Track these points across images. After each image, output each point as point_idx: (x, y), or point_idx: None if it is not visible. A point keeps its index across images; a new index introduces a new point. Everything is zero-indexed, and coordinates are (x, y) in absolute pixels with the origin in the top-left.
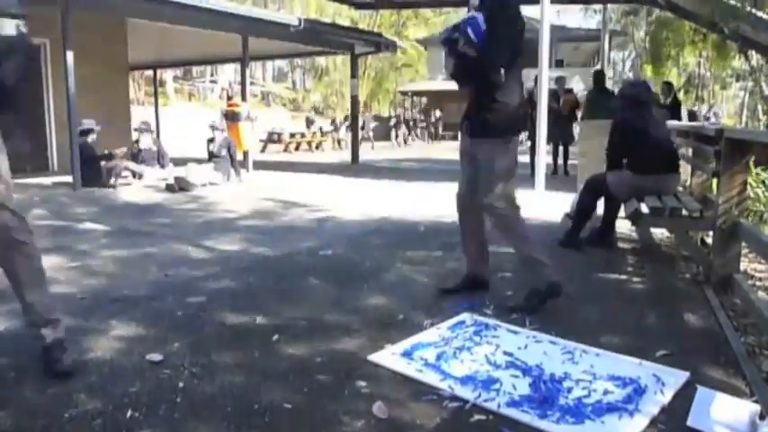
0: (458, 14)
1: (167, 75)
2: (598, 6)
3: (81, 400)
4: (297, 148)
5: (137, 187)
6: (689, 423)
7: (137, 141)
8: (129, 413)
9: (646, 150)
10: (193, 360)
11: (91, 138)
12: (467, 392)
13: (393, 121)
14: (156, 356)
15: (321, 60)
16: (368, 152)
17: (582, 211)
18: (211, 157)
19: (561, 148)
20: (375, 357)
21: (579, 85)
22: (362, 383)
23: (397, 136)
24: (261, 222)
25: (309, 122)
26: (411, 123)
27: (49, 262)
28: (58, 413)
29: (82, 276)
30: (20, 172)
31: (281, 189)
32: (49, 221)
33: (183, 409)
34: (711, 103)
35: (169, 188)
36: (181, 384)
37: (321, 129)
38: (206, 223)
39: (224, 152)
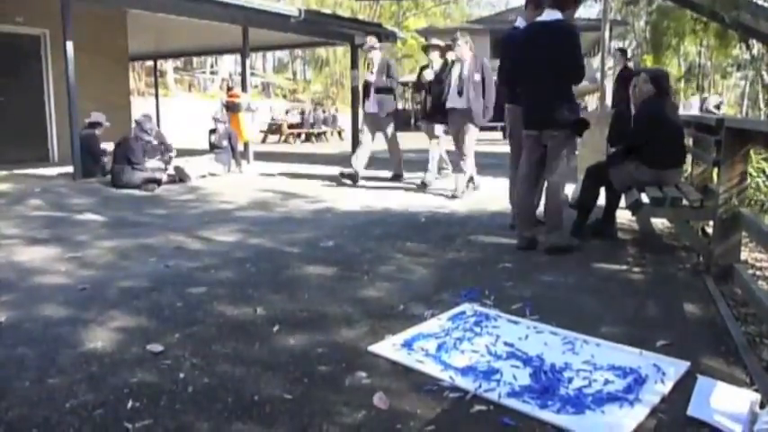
0: (457, 5)
1: (167, 65)
2: None
3: (82, 390)
4: (297, 138)
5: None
6: (689, 412)
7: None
8: (129, 404)
9: (659, 144)
10: (194, 351)
11: (98, 131)
12: (467, 383)
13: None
14: (157, 347)
15: (321, 51)
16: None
17: (584, 200)
18: (213, 147)
19: None
20: (375, 348)
21: None
22: (363, 374)
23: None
24: (261, 213)
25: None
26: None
27: (47, 252)
28: (59, 404)
29: (81, 267)
30: (20, 162)
31: (281, 180)
32: (48, 212)
33: (183, 399)
34: (715, 94)
35: (169, 179)
36: (181, 375)
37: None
38: (206, 214)
39: (225, 143)
